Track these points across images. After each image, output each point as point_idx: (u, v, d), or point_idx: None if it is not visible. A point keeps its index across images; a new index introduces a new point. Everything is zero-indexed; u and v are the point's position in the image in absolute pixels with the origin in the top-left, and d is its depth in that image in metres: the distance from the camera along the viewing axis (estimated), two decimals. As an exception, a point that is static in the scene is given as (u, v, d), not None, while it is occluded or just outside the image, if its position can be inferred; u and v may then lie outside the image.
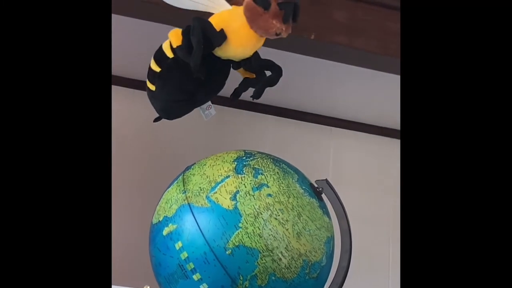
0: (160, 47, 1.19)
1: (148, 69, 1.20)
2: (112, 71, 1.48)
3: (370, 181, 1.68)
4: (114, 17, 1.42)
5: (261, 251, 1.12)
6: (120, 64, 1.52)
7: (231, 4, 1.18)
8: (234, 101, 1.25)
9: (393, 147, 1.70)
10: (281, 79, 1.21)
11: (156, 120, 1.25)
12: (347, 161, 1.67)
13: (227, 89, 1.25)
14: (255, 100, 1.22)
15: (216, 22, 1.15)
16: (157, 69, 1.19)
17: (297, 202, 1.16)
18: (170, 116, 1.23)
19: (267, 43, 1.18)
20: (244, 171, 1.17)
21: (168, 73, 1.19)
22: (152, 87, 1.20)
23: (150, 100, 1.22)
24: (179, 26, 1.17)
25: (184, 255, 1.13)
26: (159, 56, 1.19)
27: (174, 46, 1.17)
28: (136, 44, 1.53)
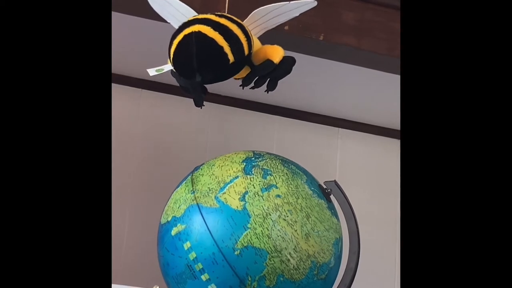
0: (248, 33, 1.12)
1: (231, 33, 1.10)
2: (119, 70, 1.49)
3: (377, 182, 1.68)
4: (124, 17, 1.42)
5: (269, 252, 1.12)
6: (126, 63, 1.52)
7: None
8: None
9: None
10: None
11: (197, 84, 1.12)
12: (354, 162, 1.67)
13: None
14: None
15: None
16: (247, 51, 1.11)
17: (306, 203, 1.16)
18: (202, 81, 1.10)
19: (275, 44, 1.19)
20: (253, 172, 1.17)
21: (246, 61, 1.13)
22: (231, 58, 1.09)
23: (209, 59, 1.08)
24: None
25: (192, 255, 1.13)
26: (249, 40, 1.12)
27: (275, 62, 1.14)
28: (145, 44, 1.53)
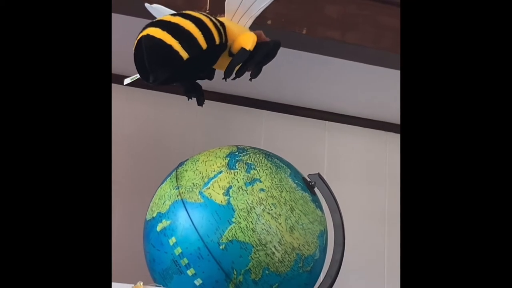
0: (207, 26, 1.11)
1: (182, 29, 1.10)
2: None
3: (364, 175, 1.68)
4: (114, 16, 1.43)
5: (254, 245, 1.13)
6: (115, 61, 1.52)
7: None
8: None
9: (387, 140, 1.70)
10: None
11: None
12: (342, 155, 1.68)
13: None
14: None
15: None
16: (204, 45, 1.10)
17: (290, 196, 1.17)
18: (156, 81, 1.10)
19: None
20: (236, 166, 1.17)
21: (210, 55, 1.12)
22: (184, 54, 1.08)
23: (159, 59, 1.09)
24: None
25: (178, 250, 1.14)
26: (207, 34, 1.11)
27: (248, 48, 1.13)
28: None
